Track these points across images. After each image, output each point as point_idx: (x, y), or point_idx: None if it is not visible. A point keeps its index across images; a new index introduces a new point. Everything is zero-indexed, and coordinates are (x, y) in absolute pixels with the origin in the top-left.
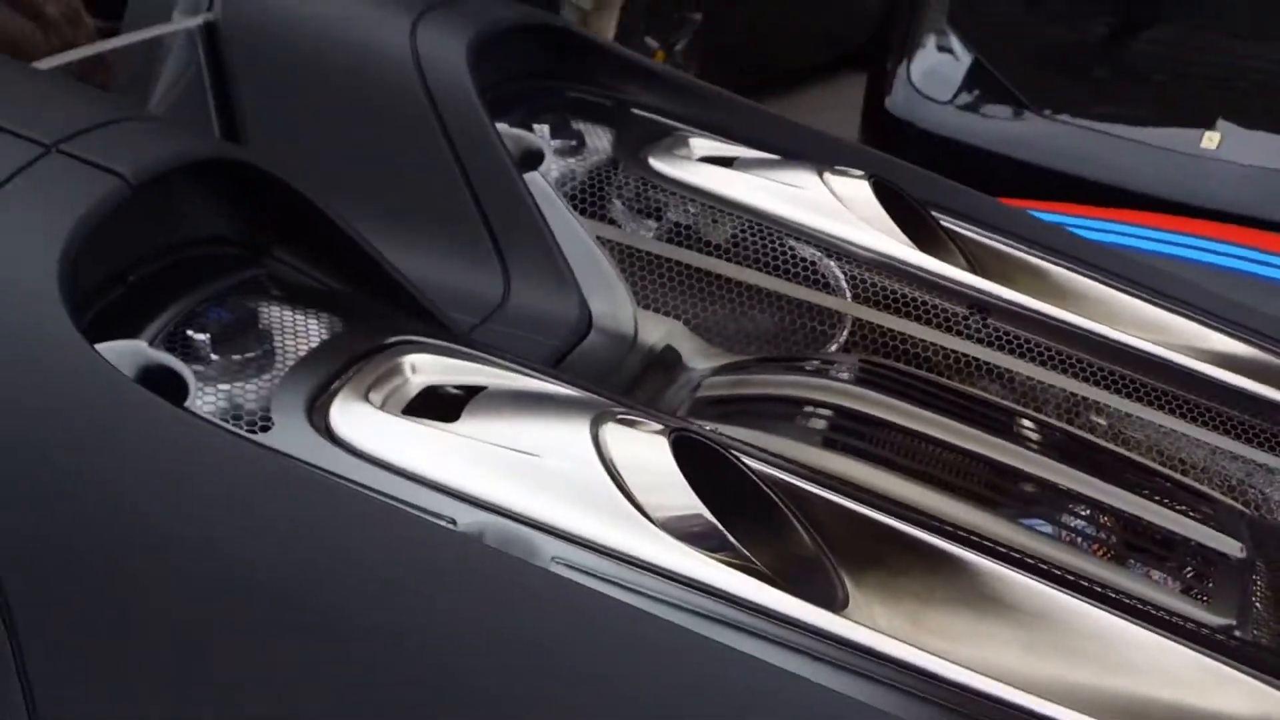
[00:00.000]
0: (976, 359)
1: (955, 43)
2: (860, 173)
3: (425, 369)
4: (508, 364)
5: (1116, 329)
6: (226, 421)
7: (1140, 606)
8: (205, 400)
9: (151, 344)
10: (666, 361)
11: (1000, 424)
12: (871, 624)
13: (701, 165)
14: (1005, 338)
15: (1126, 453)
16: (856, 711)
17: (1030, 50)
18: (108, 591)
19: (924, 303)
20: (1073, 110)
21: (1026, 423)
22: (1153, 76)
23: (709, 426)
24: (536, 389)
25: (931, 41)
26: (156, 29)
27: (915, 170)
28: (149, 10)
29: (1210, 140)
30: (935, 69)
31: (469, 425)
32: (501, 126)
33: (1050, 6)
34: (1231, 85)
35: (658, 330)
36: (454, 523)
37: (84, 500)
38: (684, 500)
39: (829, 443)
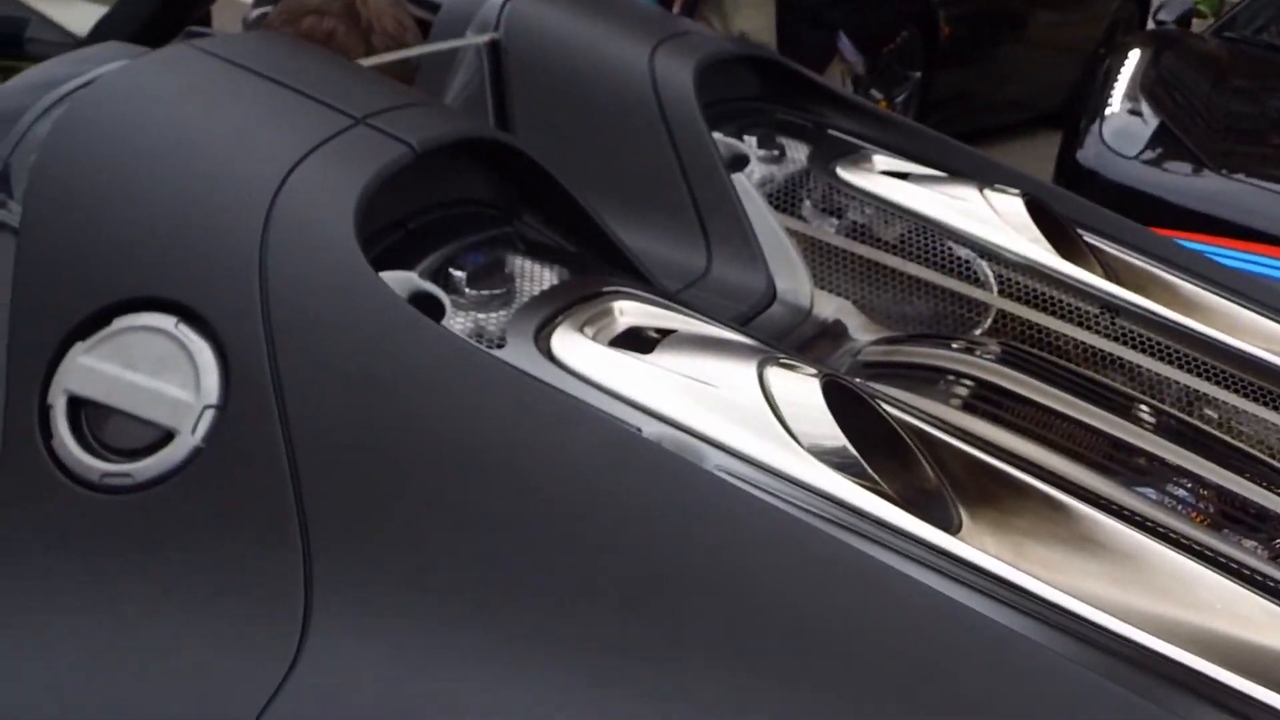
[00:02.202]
0: (1103, 351)
1: (1145, 107)
2: (1016, 190)
3: (630, 313)
4: (698, 316)
5: (1236, 337)
6: (471, 339)
7: (1223, 560)
8: (457, 322)
9: (421, 275)
10: (835, 332)
11: (1121, 407)
12: (980, 547)
13: (880, 177)
14: (1131, 336)
15: (1235, 441)
16: (960, 611)
17: (1212, 117)
18: (378, 470)
19: (1060, 301)
20: (1247, 170)
21: (1145, 408)
22: None
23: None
24: (717, 335)
25: (1123, 105)
26: (453, 43)
27: (1067, 194)
28: (451, 30)
29: None
30: (1125, 129)
31: (659, 357)
32: (717, 135)
33: (1232, 84)
34: None
35: (830, 306)
36: (640, 430)
37: (363, 394)
38: (828, 430)
39: (965, 406)
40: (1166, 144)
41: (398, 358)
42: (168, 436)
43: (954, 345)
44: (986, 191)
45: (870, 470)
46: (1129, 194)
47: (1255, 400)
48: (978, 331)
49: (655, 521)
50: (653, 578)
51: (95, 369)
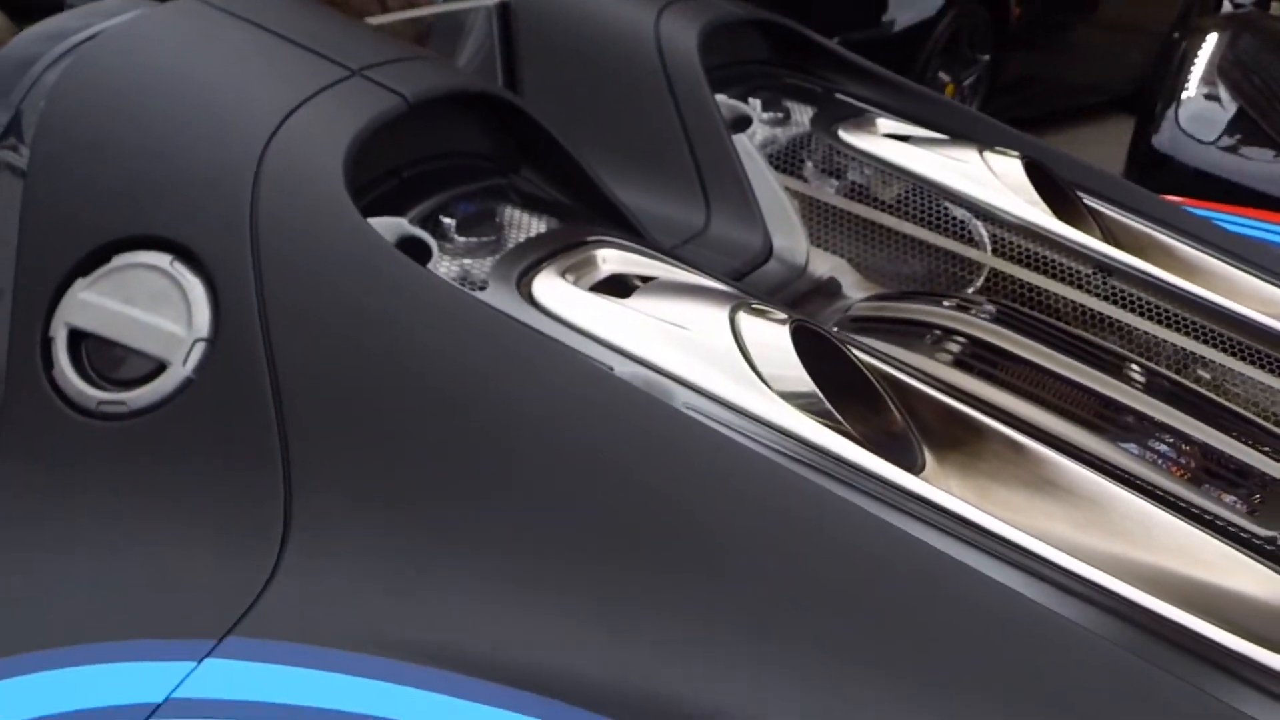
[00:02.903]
0: (1096, 311)
1: (1222, 91)
2: (1015, 153)
3: (613, 261)
4: (680, 266)
5: (1232, 300)
6: (456, 282)
7: (1191, 509)
8: (443, 266)
9: (410, 221)
10: (829, 289)
11: (1111, 365)
12: (943, 488)
13: (881, 139)
14: (1124, 296)
15: (1225, 402)
16: (912, 547)
17: None
18: (356, 400)
19: (1054, 261)
20: None
21: (1136, 368)
22: None
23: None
24: (695, 283)
25: (1200, 89)
26: (463, 4)
27: (1070, 157)
28: None
29: None
30: (1202, 113)
31: (636, 302)
32: (720, 97)
33: None
34: None
35: (825, 264)
36: (612, 369)
37: (345, 329)
38: (794, 372)
39: (948, 359)
40: (1245, 129)
41: (380, 296)
42: (160, 367)
43: (944, 302)
44: (986, 154)
45: (834, 411)
46: (1206, 179)
47: (1248, 361)
48: (970, 290)
49: (624, 455)
50: (619, 507)
51: (95, 303)
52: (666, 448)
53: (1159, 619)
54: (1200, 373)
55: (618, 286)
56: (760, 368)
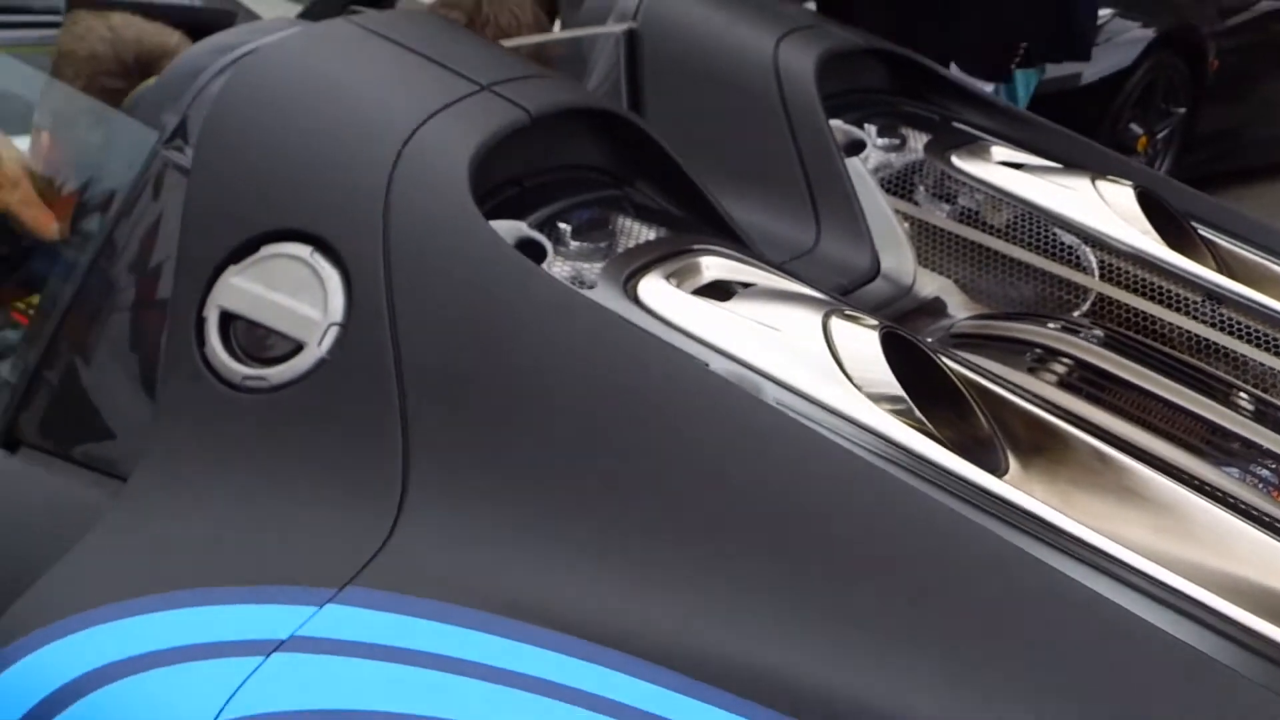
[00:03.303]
0: (1206, 339)
1: None
2: (1128, 182)
3: (716, 267)
4: (781, 274)
5: None
6: (566, 281)
7: (1269, 520)
8: (557, 267)
9: (529, 226)
10: (934, 308)
11: (1216, 392)
12: (1026, 492)
13: (994, 166)
14: (1235, 325)
15: None
16: (991, 541)
17: None
18: (471, 383)
19: (1162, 288)
20: None
21: (1243, 395)
22: None
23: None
24: (793, 289)
25: None
26: (592, 30)
27: (1185, 188)
28: (594, 19)
29: None
30: None
31: (734, 305)
32: (835, 122)
33: None
34: None
35: (932, 284)
36: (708, 365)
37: (464, 319)
38: (882, 375)
39: (1047, 376)
40: None
41: (495, 290)
42: (298, 348)
43: (1049, 324)
44: (1098, 182)
45: (916, 410)
46: None
47: None
48: (1076, 314)
49: (714, 443)
50: (705, 493)
51: (243, 289)
52: (756, 439)
53: (1234, 624)
54: None
55: (719, 291)
56: (848, 369)
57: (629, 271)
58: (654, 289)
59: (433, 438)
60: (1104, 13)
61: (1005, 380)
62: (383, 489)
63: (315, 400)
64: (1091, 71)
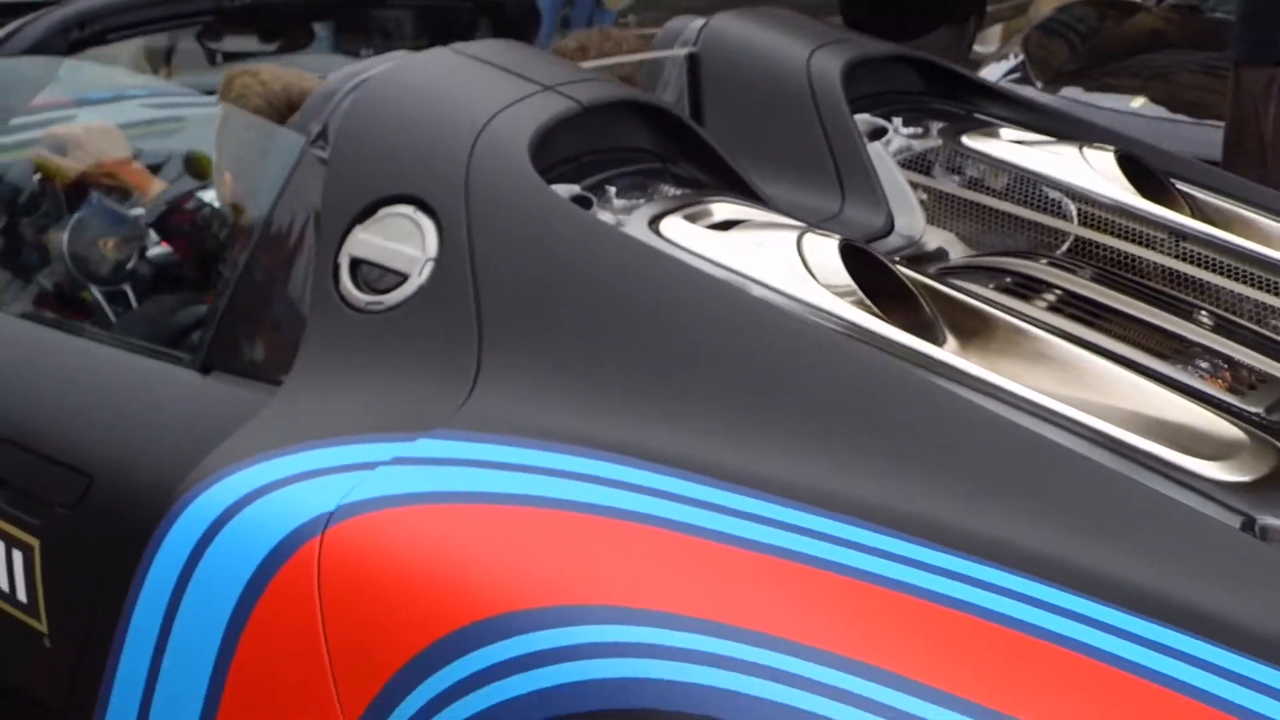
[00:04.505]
0: (1174, 270)
1: None
2: (1110, 147)
3: (725, 211)
4: (781, 214)
5: None
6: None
7: (1178, 385)
8: (601, 214)
9: (582, 188)
10: (937, 255)
11: (1179, 309)
12: (957, 355)
13: (996, 141)
14: (1200, 258)
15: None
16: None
17: None
18: (531, 297)
19: (1134, 229)
20: None
21: (1203, 312)
22: None
23: None
24: (780, 221)
25: None
26: (658, 53)
27: (1169, 153)
28: (665, 45)
29: None
30: None
31: (733, 233)
32: (863, 115)
33: None
34: None
35: (938, 238)
36: (704, 271)
37: (525, 250)
38: (839, 273)
39: (1006, 290)
40: None
41: (550, 228)
42: (404, 279)
43: (1024, 259)
44: (1084, 149)
45: (866, 298)
46: None
47: None
48: (1056, 254)
49: (714, 331)
50: (704, 362)
51: (366, 240)
52: (742, 325)
53: (1089, 428)
54: (1276, 323)
55: (726, 226)
56: (814, 270)
57: (655, 214)
58: (673, 225)
59: (499, 334)
60: None
61: (953, 284)
62: (462, 370)
63: (418, 315)
64: None
